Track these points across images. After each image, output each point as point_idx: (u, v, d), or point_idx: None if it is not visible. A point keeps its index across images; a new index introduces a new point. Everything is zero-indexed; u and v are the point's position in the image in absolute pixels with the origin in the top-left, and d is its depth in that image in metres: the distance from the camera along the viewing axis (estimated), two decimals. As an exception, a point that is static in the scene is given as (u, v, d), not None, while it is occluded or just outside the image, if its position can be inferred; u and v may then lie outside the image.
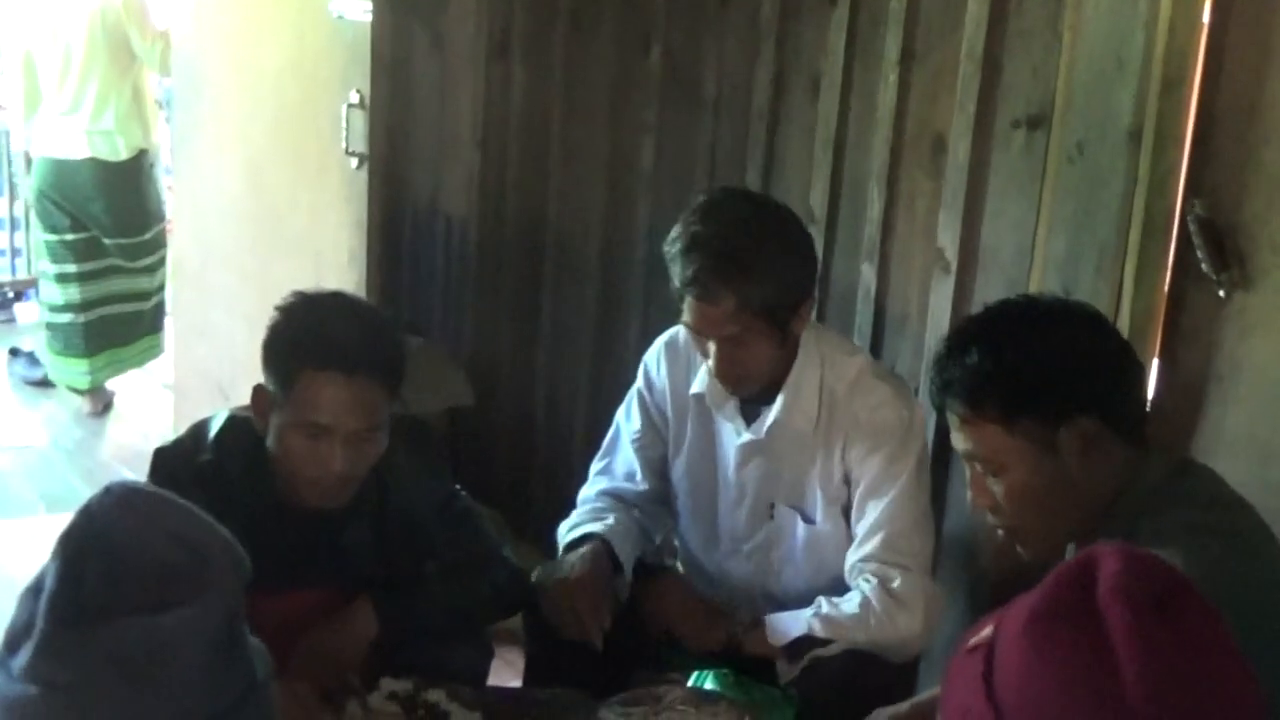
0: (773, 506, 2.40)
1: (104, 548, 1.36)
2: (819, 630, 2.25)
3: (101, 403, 5.24)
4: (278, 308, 2.14)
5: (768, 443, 2.35)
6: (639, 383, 2.50)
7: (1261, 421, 2.17)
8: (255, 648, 1.44)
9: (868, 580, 2.28)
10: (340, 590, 2.22)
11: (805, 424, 2.32)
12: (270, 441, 2.14)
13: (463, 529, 2.36)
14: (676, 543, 2.63)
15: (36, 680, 1.32)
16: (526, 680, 2.47)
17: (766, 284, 2.18)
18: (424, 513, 2.29)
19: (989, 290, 2.59)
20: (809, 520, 2.38)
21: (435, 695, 2.15)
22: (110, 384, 5.30)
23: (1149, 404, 1.96)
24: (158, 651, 1.32)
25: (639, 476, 2.50)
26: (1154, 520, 1.70)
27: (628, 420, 2.52)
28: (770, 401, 2.33)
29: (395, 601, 2.22)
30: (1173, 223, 2.27)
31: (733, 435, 2.40)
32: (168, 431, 4.28)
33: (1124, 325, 2.31)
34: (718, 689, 2.45)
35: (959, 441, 1.84)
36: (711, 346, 2.23)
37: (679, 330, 2.45)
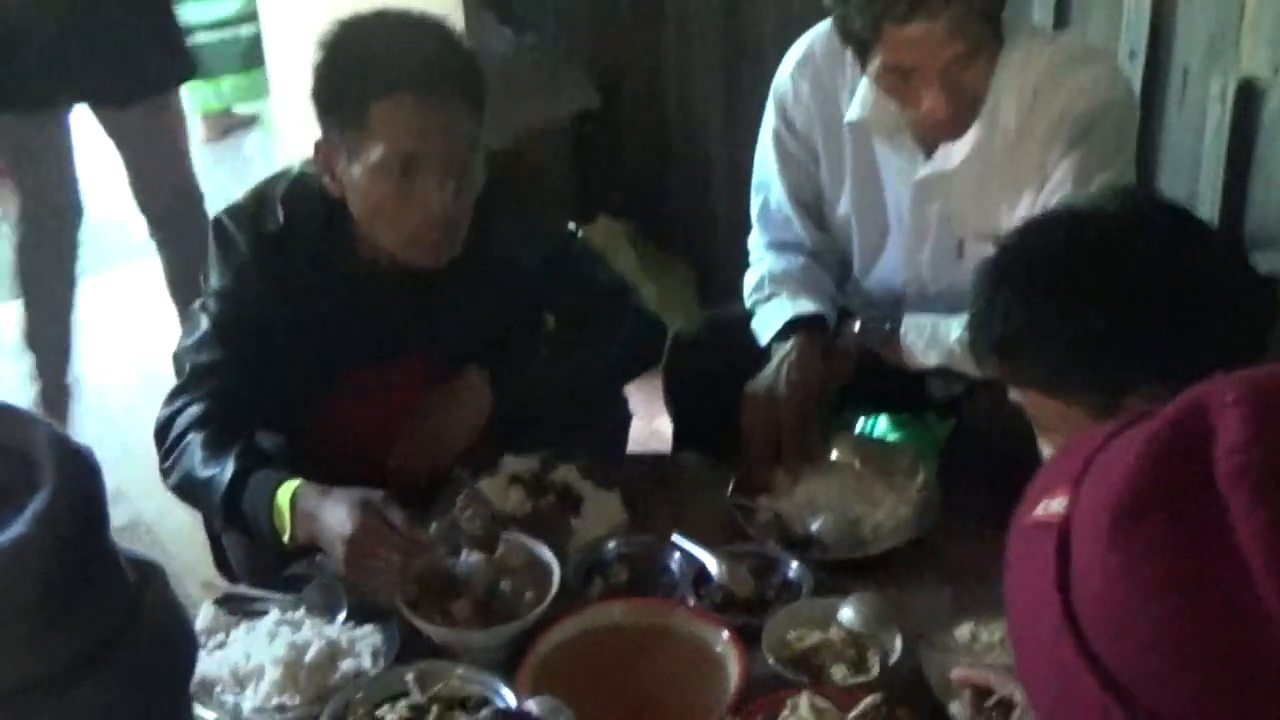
0: (962, 244, 2.01)
1: None
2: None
3: None
4: (319, 44, 1.79)
5: (956, 174, 1.95)
6: (772, 122, 2.10)
7: None
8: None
9: None
10: (439, 359, 1.94)
11: (1005, 142, 1.91)
12: (352, 201, 1.82)
13: (582, 277, 2.04)
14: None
15: None
16: (675, 445, 2.19)
17: None
18: (533, 262, 1.98)
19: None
20: None
21: (565, 473, 1.87)
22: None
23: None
24: None
25: (798, 227, 2.12)
26: None
27: (764, 174, 2.15)
28: None
29: (511, 367, 1.92)
30: None
31: (904, 168, 2.00)
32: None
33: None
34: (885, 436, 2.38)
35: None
36: (926, 90, 1.82)
37: (809, 44, 2.06)
